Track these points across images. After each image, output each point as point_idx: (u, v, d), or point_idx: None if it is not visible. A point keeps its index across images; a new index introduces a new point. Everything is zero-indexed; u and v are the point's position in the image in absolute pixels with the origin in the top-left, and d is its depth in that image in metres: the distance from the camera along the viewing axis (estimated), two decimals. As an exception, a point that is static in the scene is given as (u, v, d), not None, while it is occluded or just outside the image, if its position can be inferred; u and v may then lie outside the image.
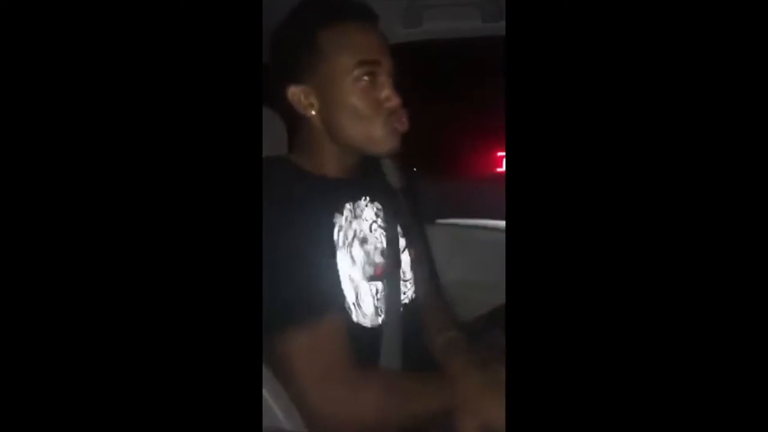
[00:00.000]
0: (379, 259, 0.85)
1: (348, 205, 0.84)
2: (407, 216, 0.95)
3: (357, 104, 0.80)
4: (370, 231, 0.86)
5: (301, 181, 0.82)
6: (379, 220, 0.88)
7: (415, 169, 1.28)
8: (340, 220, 0.82)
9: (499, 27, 1.16)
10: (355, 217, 0.84)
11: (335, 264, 0.79)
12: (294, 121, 0.86)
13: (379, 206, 0.89)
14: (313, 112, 0.82)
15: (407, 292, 0.90)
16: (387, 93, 0.81)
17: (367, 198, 0.88)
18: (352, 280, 0.80)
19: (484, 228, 1.45)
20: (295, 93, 0.82)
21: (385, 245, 0.87)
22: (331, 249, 0.79)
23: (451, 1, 1.16)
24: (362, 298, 0.81)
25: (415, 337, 0.87)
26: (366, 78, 0.80)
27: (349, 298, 0.80)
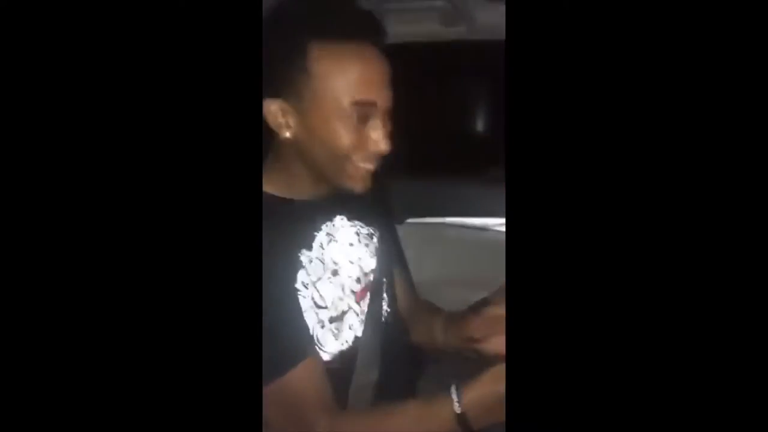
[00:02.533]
0: (356, 286, 0.79)
1: (323, 230, 0.77)
2: (382, 225, 0.89)
3: (340, 142, 0.70)
4: (347, 255, 0.80)
5: (269, 206, 0.69)
6: (360, 238, 0.83)
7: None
8: (308, 256, 0.75)
9: (460, 31, 1.17)
10: (331, 242, 0.78)
11: (300, 308, 0.71)
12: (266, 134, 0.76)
13: (360, 224, 0.84)
14: (288, 135, 0.72)
15: (387, 310, 0.85)
16: (377, 136, 0.71)
17: (344, 217, 0.81)
18: (320, 321, 0.73)
19: (453, 225, 1.47)
20: (271, 108, 0.71)
21: (362, 270, 0.81)
22: (294, 291, 0.72)
23: (410, 6, 1.16)
24: (333, 337, 0.74)
25: (392, 362, 0.82)
26: (356, 117, 0.70)
27: (321, 339, 0.73)
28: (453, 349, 0.87)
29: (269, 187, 0.75)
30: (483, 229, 1.40)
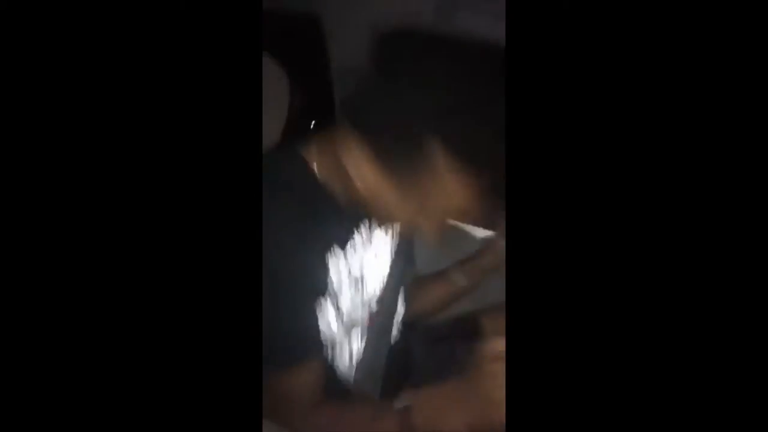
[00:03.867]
0: (374, 306, 0.77)
1: (358, 229, 0.74)
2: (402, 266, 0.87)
3: None
4: (374, 263, 0.77)
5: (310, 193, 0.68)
6: (393, 246, 0.80)
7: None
8: (340, 257, 0.71)
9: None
10: (364, 242, 0.75)
11: (317, 311, 0.70)
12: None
13: (396, 228, 0.81)
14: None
15: (396, 335, 0.84)
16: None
17: (375, 219, 0.77)
18: (334, 330, 0.72)
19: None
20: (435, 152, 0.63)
21: (384, 286, 0.79)
22: (317, 293, 0.70)
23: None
24: (342, 350, 0.73)
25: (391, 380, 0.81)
26: None
27: (329, 347, 0.72)
28: (472, 286, 0.92)
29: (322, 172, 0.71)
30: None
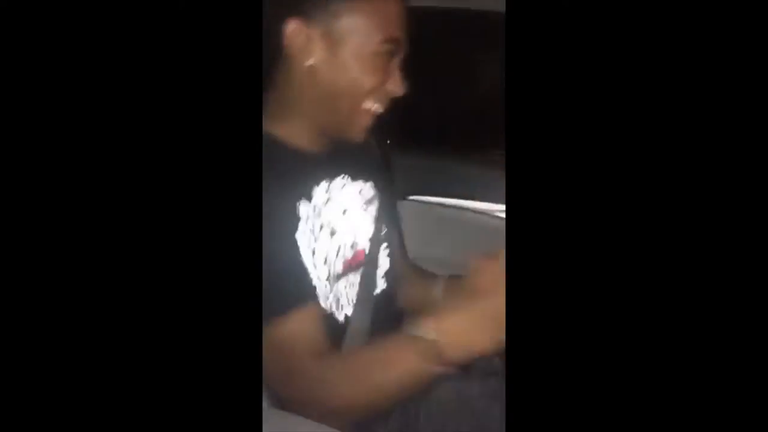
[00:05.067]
0: (349, 252, 0.78)
1: (323, 185, 0.75)
2: (386, 196, 0.89)
3: (364, 77, 0.69)
4: (344, 215, 0.78)
5: (273, 153, 0.69)
6: (359, 202, 0.81)
7: (389, 142, 1.25)
8: (308, 209, 0.72)
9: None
10: (329, 200, 0.76)
11: (300, 260, 0.70)
12: (275, 70, 0.72)
13: (363, 185, 0.82)
14: (310, 62, 0.68)
15: (380, 282, 0.84)
16: (396, 78, 0.71)
17: (347, 176, 0.80)
18: (318, 277, 0.72)
19: (453, 207, 1.46)
20: (297, 32, 0.67)
21: (357, 235, 0.80)
22: (294, 244, 0.70)
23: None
24: (328, 295, 0.74)
25: (383, 328, 0.80)
26: (384, 53, 0.69)
27: (319, 293, 0.72)
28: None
29: (270, 126, 0.72)
30: (483, 213, 1.39)
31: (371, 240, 0.82)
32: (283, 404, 0.71)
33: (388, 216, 0.89)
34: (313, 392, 0.67)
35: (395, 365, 0.67)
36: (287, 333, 0.67)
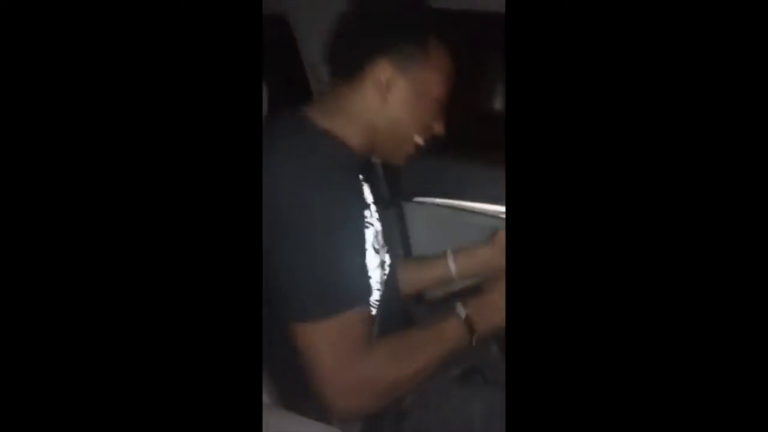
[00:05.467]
0: (381, 243, 0.84)
1: (361, 175, 0.83)
2: (391, 195, 0.97)
3: (422, 117, 0.83)
4: (371, 212, 0.84)
5: (340, 154, 0.78)
6: (375, 201, 0.87)
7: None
8: (368, 198, 0.81)
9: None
10: (367, 188, 0.84)
11: (363, 247, 0.76)
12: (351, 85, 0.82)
13: (373, 185, 0.89)
14: (382, 100, 0.80)
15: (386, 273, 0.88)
16: (441, 121, 0.86)
17: (362, 177, 0.86)
18: (370, 265, 0.77)
19: (456, 208, 1.46)
20: (385, 70, 0.79)
21: (381, 229, 0.86)
22: (361, 234, 0.76)
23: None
24: (374, 285, 0.78)
25: (398, 318, 0.87)
26: (439, 102, 0.83)
27: (373, 283, 0.77)
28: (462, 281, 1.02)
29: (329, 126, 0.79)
30: (484, 214, 1.39)
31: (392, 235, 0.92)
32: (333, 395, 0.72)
33: (395, 216, 0.96)
34: (368, 376, 0.72)
35: (434, 346, 0.76)
36: (346, 331, 0.70)
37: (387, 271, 0.87)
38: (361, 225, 0.76)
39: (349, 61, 0.81)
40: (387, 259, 0.88)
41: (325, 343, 0.69)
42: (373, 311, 0.79)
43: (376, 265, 0.79)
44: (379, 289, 0.80)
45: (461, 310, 0.77)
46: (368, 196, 0.84)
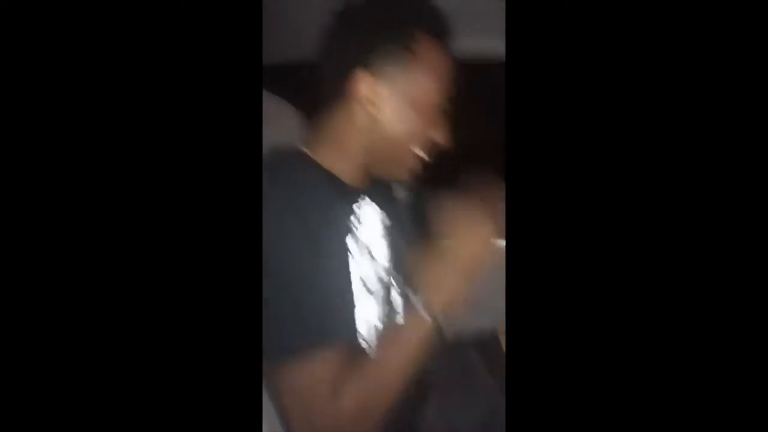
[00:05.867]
0: (383, 274, 0.78)
1: (355, 209, 0.77)
2: (410, 231, 0.89)
3: (417, 127, 0.75)
4: (375, 240, 0.79)
5: (319, 179, 0.73)
6: (384, 231, 0.82)
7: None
8: (354, 223, 0.74)
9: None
10: (361, 223, 0.77)
11: (348, 274, 0.70)
12: (334, 108, 0.76)
13: (385, 215, 0.83)
14: (371, 111, 0.73)
15: (399, 313, 0.82)
16: (443, 129, 0.77)
17: (374, 204, 0.81)
18: (359, 295, 0.72)
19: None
20: (365, 81, 0.72)
21: (389, 259, 0.80)
22: (344, 257, 0.71)
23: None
24: (364, 317, 0.73)
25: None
26: (436, 107, 0.75)
27: (358, 315, 0.71)
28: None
29: (321, 158, 0.76)
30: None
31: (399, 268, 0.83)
32: None
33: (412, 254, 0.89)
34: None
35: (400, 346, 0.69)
36: (326, 368, 0.65)
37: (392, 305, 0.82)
38: (344, 265, 0.71)
39: (329, 84, 0.75)
40: (393, 292, 0.84)
41: (290, 387, 0.64)
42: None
43: (374, 300, 0.74)
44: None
45: (408, 290, 0.70)
46: (363, 229, 0.78)
